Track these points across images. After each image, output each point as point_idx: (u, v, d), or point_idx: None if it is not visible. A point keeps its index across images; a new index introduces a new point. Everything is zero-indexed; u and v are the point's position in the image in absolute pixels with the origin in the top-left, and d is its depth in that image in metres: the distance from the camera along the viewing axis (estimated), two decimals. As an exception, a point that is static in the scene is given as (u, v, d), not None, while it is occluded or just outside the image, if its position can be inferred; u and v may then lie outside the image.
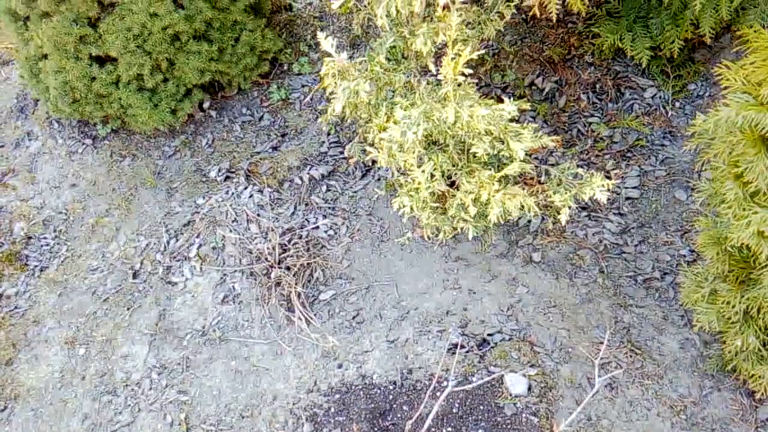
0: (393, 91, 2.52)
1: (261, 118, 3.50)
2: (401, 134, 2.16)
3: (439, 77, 2.15)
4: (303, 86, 3.60)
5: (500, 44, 3.41)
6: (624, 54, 3.15)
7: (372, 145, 2.53)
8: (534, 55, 3.36)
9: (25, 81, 3.35)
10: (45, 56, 3.19)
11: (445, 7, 2.13)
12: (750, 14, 2.76)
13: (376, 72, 2.37)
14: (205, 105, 3.57)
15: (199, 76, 3.32)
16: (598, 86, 3.21)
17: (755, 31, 1.62)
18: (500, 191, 2.31)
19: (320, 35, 2.24)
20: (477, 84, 3.34)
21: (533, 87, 3.27)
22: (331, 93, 2.38)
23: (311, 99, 3.52)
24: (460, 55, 2.05)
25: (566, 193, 2.30)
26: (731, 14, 2.71)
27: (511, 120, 2.35)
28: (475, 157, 2.33)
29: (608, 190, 2.21)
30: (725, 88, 1.73)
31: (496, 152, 2.39)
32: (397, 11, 2.14)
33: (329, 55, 2.26)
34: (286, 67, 3.70)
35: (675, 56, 2.92)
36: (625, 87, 3.17)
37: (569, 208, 2.27)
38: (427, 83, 2.36)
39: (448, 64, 1.98)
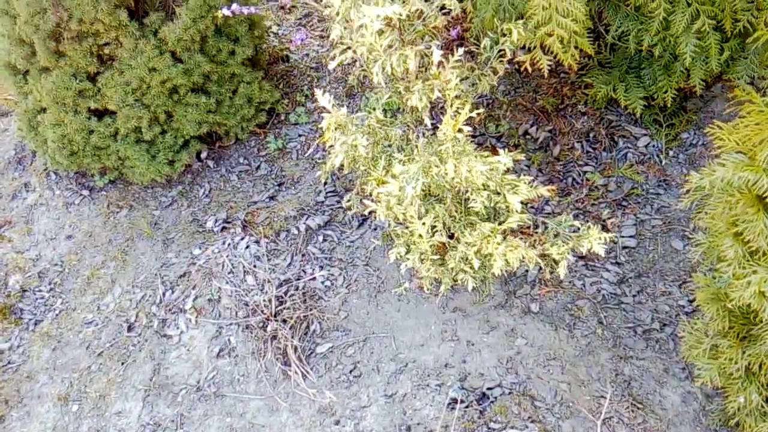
0: (389, 145, 2.54)
1: (258, 168, 3.52)
2: (400, 189, 2.17)
3: (437, 132, 2.17)
4: (299, 136, 3.63)
5: (494, 94, 3.45)
6: (616, 103, 3.19)
7: (370, 196, 2.54)
8: (527, 105, 3.40)
9: (24, 133, 3.37)
10: (43, 110, 3.22)
11: (440, 65, 2.15)
12: (739, 65, 2.80)
13: (372, 127, 2.40)
14: (203, 155, 3.60)
15: (197, 128, 3.35)
16: (591, 135, 3.24)
17: (747, 93, 1.64)
18: (502, 244, 2.31)
19: (317, 92, 2.27)
20: (472, 134, 3.38)
21: (527, 136, 3.30)
22: (330, 147, 2.39)
23: (312, 150, 3.54)
24: (459, 113, 2.07)
25: (564, 245, 2.30)
26: (721, 66, 2.76)
27: (507, 171, 2.37)
28: (472, 210, 2.33)
29: (605, 243, 2.21)
30: (719, 147, 1.74)
31: (493, 204, 2.40)
32: (393, 69, 2.17)
33: (327, 110, 2.29)
34: (283, 117, 3.73)
35: (668, 105, 2.96)
36: (619, 136, 3.20)
37: (566, 260, 2.27)
38: (424, 137, 2.37)
39: (447, 122, 2.00)
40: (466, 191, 2.32)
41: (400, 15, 1.97)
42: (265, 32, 4.20)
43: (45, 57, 3.02)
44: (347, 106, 3.74)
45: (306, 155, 3.46)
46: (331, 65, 2.16)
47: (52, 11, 2.87)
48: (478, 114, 3.47)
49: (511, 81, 3.48)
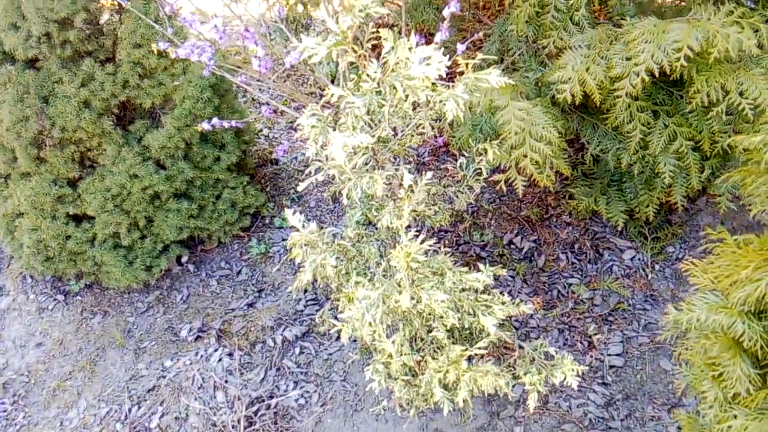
0: (365, 261, 2.49)
1: (239, 273, 3.46)
2: (361, 315, 2.09)
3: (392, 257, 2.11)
4: (283, 240, 3.58)
5: (479, 202, 3.43)
6: (601, 215, 3.15)
7: (341, 313, 2.46)
8: (512, 214, 3.36)
9: (1, 237, 3.33)
10: (21, 214, 3.19)
11: (410, 188, 2.13)
12: (722, 183, 2.78)
13: (344, 246, 2.35)
14: (183, 259, 3.54)
15: (178, 233, 3.31)
16: (576, 246, 3.18)
17: (719, 232, 1.59)
18: (469, 371, 2.20)
19: (287, 212, 2.24)
20: (456, 242, 3.33)
21: (512, 246, 3.25)
22: (301, 263, 2.34)
23: (286, 262, 3.48)
24: (416, 237, 2.01)
25: (538, 374, 2.19)
26: (702, 182, 2.73)
27: (486, 289, 2.30)
28: (436, 337, 2.25)
29: (579, 375, 2.10)
30: (694, 284, 1.67)
31: (468, 325, 2.32)
32: (363, 190, 2.14)
33: (296, 228, 2.24)
34: (268, 221, 3.71)
35: (650, 220, 2.92)
36: (604, 248, 3.15)
37: (538, 392, 2.15)
38: (387, 262, 2.32)
39: (398, 253, 1.94)
40: (430, 315, 2.25)
41: (369, 143, 1.96)
42: (255, 135, 4.25)
43: (26, 163, 3.02)
44: (332, 212, 3.72)
45: (282, 261, 3.40)
46: (301, 186, 2.13)
47: (35, 119, 2.89)
48: (460, 215, 3.45)
49: (496, 189, 3.46)
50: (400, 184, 2.35)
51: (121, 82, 2.94)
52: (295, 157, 4.09)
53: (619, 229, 3.13)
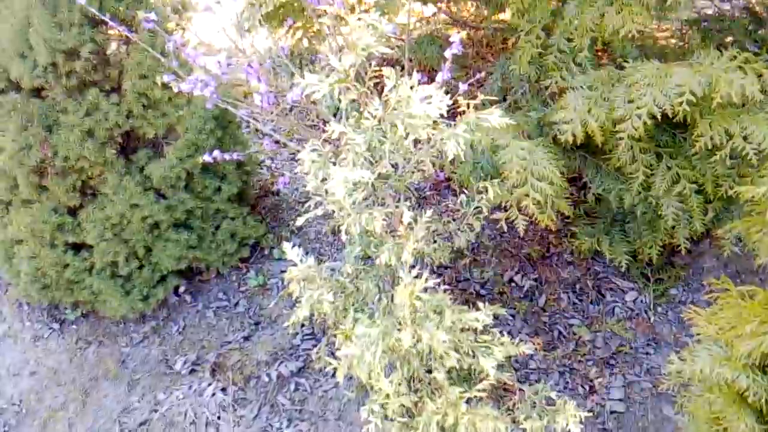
0: (363, 297, 2.46)
1: (236, 304, 3.42)
2: (360, 353, 2.06)
3: (396, 295, 2.08)
4: (282, 272, 3.55)
5: (479, 239, 3.41)
6: (603, 254, 3.12)
7: (338, 351, 2.42)
8: (513, 251, 3.33)
9: (-1, 263, 3.32)
10: (20, 241, 3.18)
11: (409, 226, 2.11)
12: (725, 225, 2.74)
13: (342, 282, 2.32)
14: (181, 289, 3.51)
15: (176, 263, 3.29)
16: (578, 286, 3.15)
17: (722, 282, 1.56)
18: (467, 414, 2.15)
19: (286, 245, 2.22)
20: (456, 278, 3.30)
21: (512, 284, 3.21)
22: (298, 297, 2.31)
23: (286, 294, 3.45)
24: (419, 277, 1.99)
25: (539, 420, 2.14)
26: (706, 225, 2.71)
27: (485, 328, 2.26)
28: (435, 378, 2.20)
29: (581, 422, 2.05)
30: (697, 334, 1.64)
31: (467, 366, 2.28)
32: (362, 226, 2.12)
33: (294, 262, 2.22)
34: (267, 252, 3.68)
35: (654, 261, 2.89)
36: (606, 288, 3.11)
37: (541, 439, 2.10)
38: (387, 299, 2.29)
39: (402, 291, 1.91)
40: (429, 355, 2.21)
41: (369, 179, 1.94)
42: (258, 165, 4.25)
43: (27, 191, 3.02)
44: (332, 244, 3.70)
45: (280, 294, 3.37)
46: (300, 221, 2.11)
47: (37, 148, 2.89)
48: (460, 252, 3.42)
49: (497, 226, 3.43)
50: (400, 221, 2.34)
51: (126, 113, 2.95)
52: (297, 189, 4.08)
53: (622, 269, 3.09)
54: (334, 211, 2.23)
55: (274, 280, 3.51)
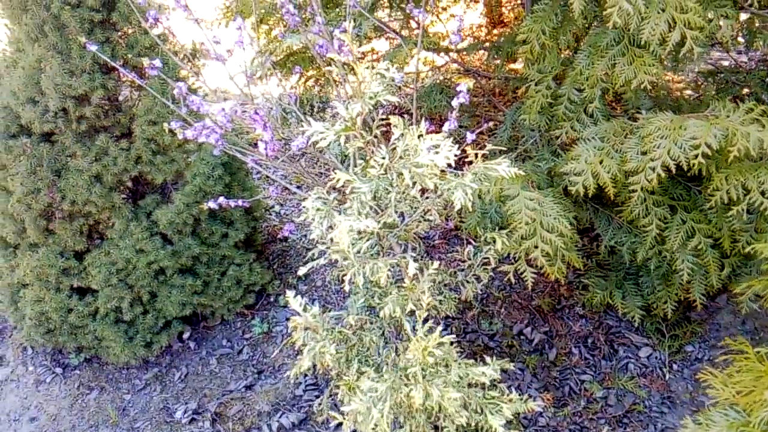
0: (367, 349, 2.39)
1: (240, 352, 3.36)
2: (367, 409, 1.98)
3: (407, 349, 2.02)
4: (287, 319, 3.49)
5: (488, 289, 3.34)
6: (615, 308, 3.04)
7: (342, 403, 2.34)
8: (523, 303, 3.26)
9: (5, 306, 3.29)
10: (26, 285, 3.15)
11: (415, 277, 2.06)
12: (743, 281, 2.66)
13: (345, 333, 2.26)
14: (185, 335, 3.46)
15: (181, 309, 3.24)
16: (590, 340, 3.06)
17: (739, 343, 1.49)
18: (475, 477, 2.06)
19: (289, 294, 2.17)
20: (464, 329, 3.22)
21: (522, 337, 3.13)
22: (300, 348, 2.26)
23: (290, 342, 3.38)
24: (432, 331, 1.93)
25: (549, 484, 2.04)
26: (722, 281, 2.63)
27: (493, 383, 2.18)
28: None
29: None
30: (713, 397, 1.56)
31: (473, 424, 2.19)
32: (366, 277, 2.07)
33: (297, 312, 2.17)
34: (273, 299, 3.63)
35: (669, 317, 2.80)
36: (619, 343, 3.01)
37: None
38: (402, 343, 2.22)
39: (415, 346, 1.85)
40: (439, 412, 2.13)
41: (374, 228, 1.91)
42: (266, 211, 4.24)
43: (35, 234, 3.01)
44: (338, 292, 3.65)
45: (284, 343, 3.30)
46: (302, 270, 2.07)
47: (45, 192, 2.90)
48: (468, 302, 3.35)
49: (507, 276, 3.37)
50: (406, 274, 2.29)
51: (134, 158, 2.96)
52: (305, 235, 4.05)
53: (635, 324, 3.01)
54: (337, 260, 2.19)
55: (279, 328, 3.45)
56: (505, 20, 5.33)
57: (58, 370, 3.33)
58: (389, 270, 2.04)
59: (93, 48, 2.10)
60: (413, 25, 4.01)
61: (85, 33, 2.75)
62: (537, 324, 3.15)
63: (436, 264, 2.02)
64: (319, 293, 3.62)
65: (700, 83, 2.97)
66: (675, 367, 2.89)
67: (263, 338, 3.40)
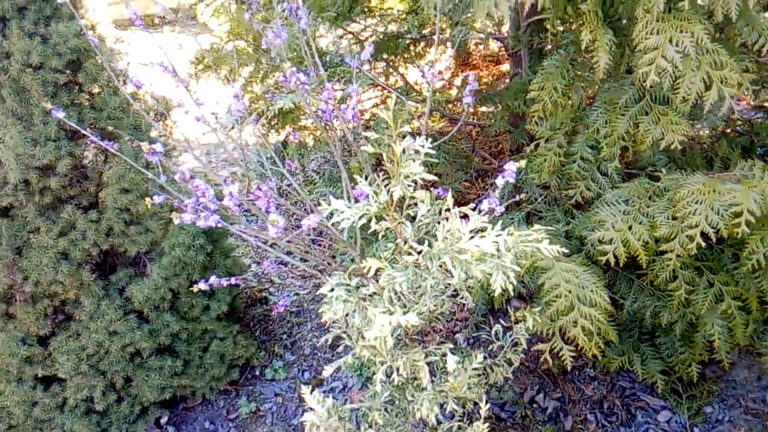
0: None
1: (226, 435, 3.05)
2: None
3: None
4: (276, 395, 3.21)
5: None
6: (628, 369, 2.90)
7: None
8: (531, 366, 3.08)
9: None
10: (-19, 379, 2.78)
11: (454, 372, 1.85)
12: (766, 339, 2.57)
13: (368, 433, 2.02)
14: (163, 420, 3.12)
15: (159, 394, 2.92)
16: (605, 405, 2.90)
17: None
18: None
19: (304, 390, 1.92)
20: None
21: (534, 405, 2.94)
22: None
23: (285, 413, 3.10)
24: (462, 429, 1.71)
25: None
26: (747, 338, 2.52)
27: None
28: None
29: None
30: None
31: None
32: (398, 373, 1.85)
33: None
34: (258, 371, 3.34)
35: (693, 380, 2.67)
36: (636, 407, 2.87)
37: None
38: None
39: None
40: None
41: (418, 323, 1.69)
42: (243, 270, 3.95)
43: (-9, 320, 2.65)
44: (330, 360, 3.38)
45: (274, 423, 3.02)
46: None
47: (5, 273, 2.56)
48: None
49: (542, 355, 3.19)
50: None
51: (105, 230, 2.65)
52: (287, 295, 3.79)
53: (649, 384, 2.87)
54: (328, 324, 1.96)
55: (268, 405, 3.16)
56: (474, 63, 5.27)
57: (18, 469, 2.94)
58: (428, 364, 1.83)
59: (60, 115, 1.81)
60: (394, 75, 3.85)
61: (48, 97, 2.45)
62: (548, 389, 2.98)
63: (480, 357, 1.82)
64: (308, 362, 3.35)
65: (714, 139, 2.87)
66: (696, 430, 2.76)
67: (251, 418, 3.10)
